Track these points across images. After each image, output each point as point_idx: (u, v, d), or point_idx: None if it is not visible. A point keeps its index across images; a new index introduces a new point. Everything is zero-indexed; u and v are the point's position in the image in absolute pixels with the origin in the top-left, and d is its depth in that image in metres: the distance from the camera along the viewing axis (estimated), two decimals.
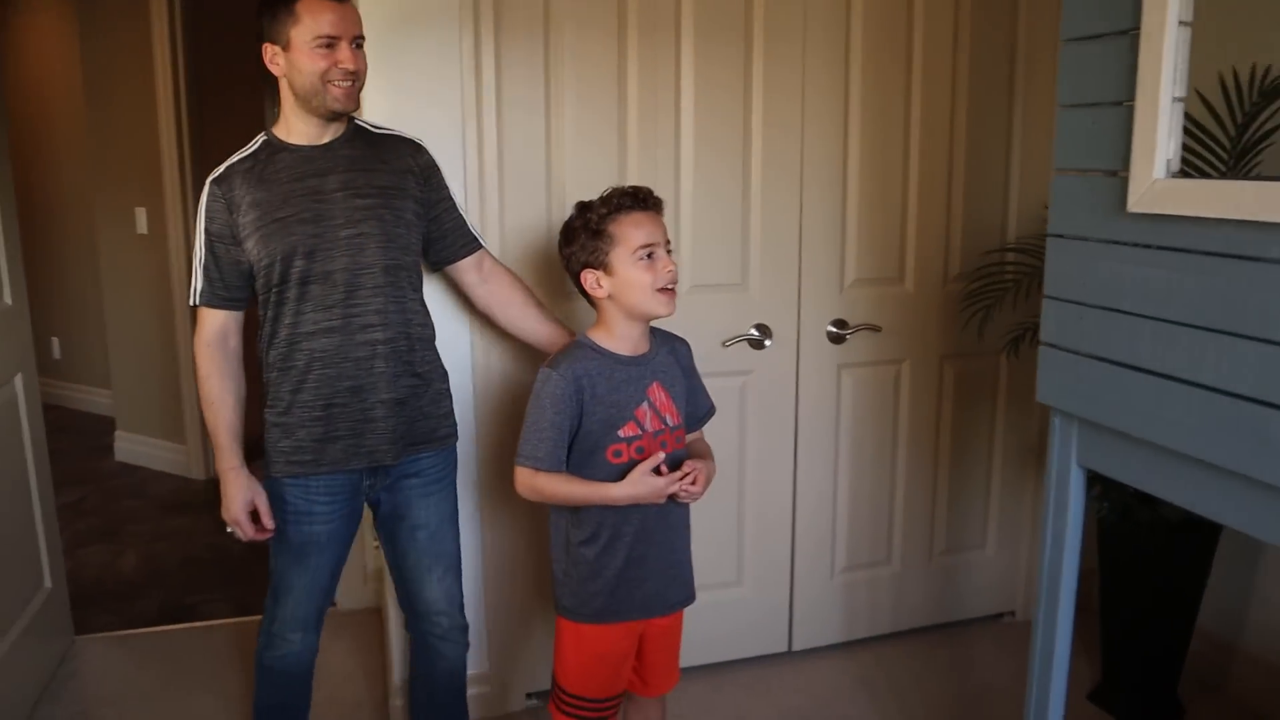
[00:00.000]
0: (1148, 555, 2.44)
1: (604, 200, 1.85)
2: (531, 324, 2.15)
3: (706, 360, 2.07)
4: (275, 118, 1.96)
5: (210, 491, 4.39)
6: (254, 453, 1.97)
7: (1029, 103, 2.78)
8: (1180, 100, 1.43)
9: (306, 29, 1.82)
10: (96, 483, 4.55)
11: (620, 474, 1.82)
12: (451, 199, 2.08)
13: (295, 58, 1.84)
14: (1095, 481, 2.38)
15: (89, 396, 5.69)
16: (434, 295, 2.21)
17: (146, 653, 2.96)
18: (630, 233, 1.80)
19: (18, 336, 2.74)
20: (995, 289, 2.72)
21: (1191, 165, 1.71)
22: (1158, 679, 2.52)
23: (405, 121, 2.09)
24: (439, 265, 2.12)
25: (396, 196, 1.95)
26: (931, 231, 2.76)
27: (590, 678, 1.92)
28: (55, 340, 5.74)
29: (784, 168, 2.58)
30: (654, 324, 1.92)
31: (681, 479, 1.83)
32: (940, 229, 2.77)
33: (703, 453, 1.99)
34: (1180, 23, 1.40)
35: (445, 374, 2.08)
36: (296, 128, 1.91)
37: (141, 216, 4.42)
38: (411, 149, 2.02)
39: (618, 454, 1.84)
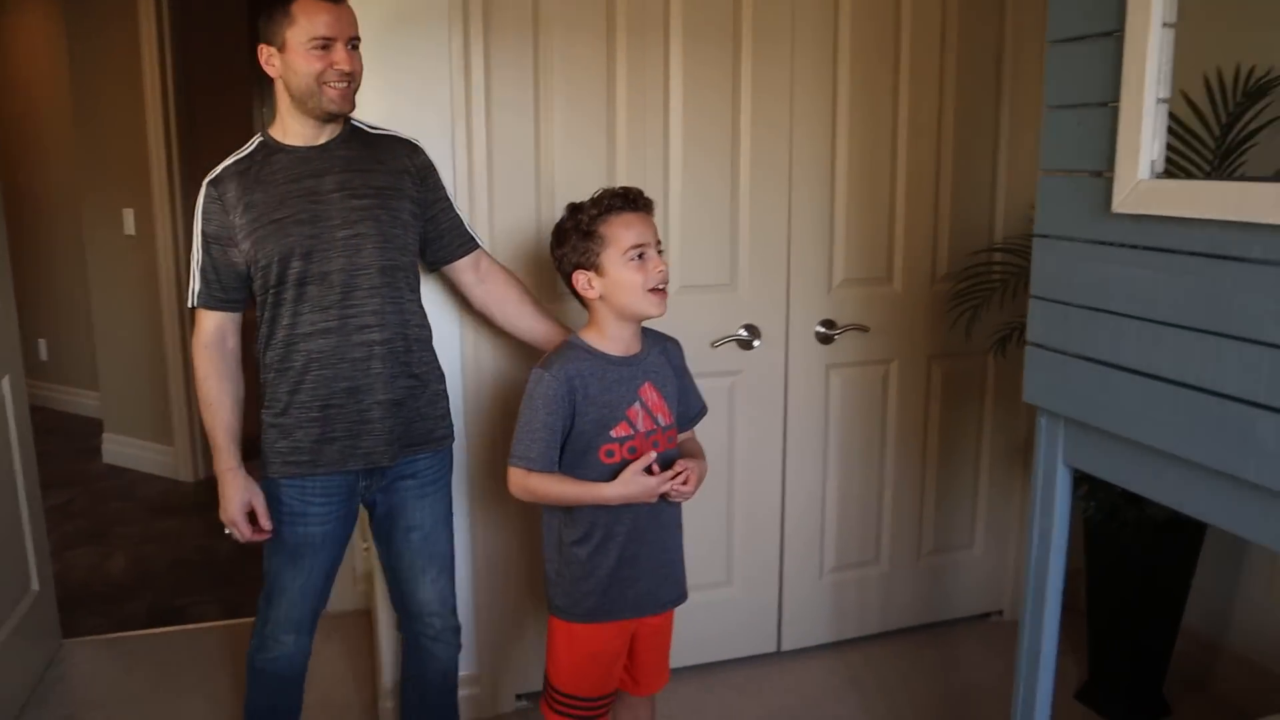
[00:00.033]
0: (1134, 554, 2.45)
1: (594, 201, 1.85)
2: (529, 322, 2.15)
3: (695, 361, 2.08)
4: (265, 118, 1.96)
5: (199, 493, 4.39)
6: (249, 453, 1.97)
7: (1016, 103, 2.79)
8: (1164, 101, 1.44)
9: (302, 30, 1.82)
10: (84, 485, 4.53)
11: (613, 474, 1.83)
12: (448, 199, 2.08)
13: (291, 59, 1.84)
14: (1082, 481, 2.40)
15: (76, 398, 5.66)
16: (424, 295, 2.21)
17: (135, 656, 2.95)
18: (621, 234, 1.81)
19: (4, 337, 2.73)
20: (982, 289, 2.73)
21: (1177, 166, 1.72)
22: (1144, 677, 2.53)
23: (397, 122, 2.09)
24: (436, 265, 2.12)
25: (393, 197, 1.95)
26: (919, 232, 2.77)
27: (583, 677, 1.92)
28: (42, 341, 5.71)
29: (773, 168, 2.59)
30: (645, 324, 1.93)
31: (673, 478, 1.84)
32: (928, 229, 2.79)
33: (694, 452, 2.00)
34: (1164, 24, 1.41)
35: (442, 375, 2.08)
36: (293, 129, 1.91)
37: (129, 217, 4.40)
38: (408, 149, 2.02)
39: (610, 454, 1.84)
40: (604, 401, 1.84)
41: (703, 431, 2.09)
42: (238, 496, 1.92)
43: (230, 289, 1.93)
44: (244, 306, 1.98)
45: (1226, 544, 2.60)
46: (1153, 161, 1.45)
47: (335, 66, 1.84)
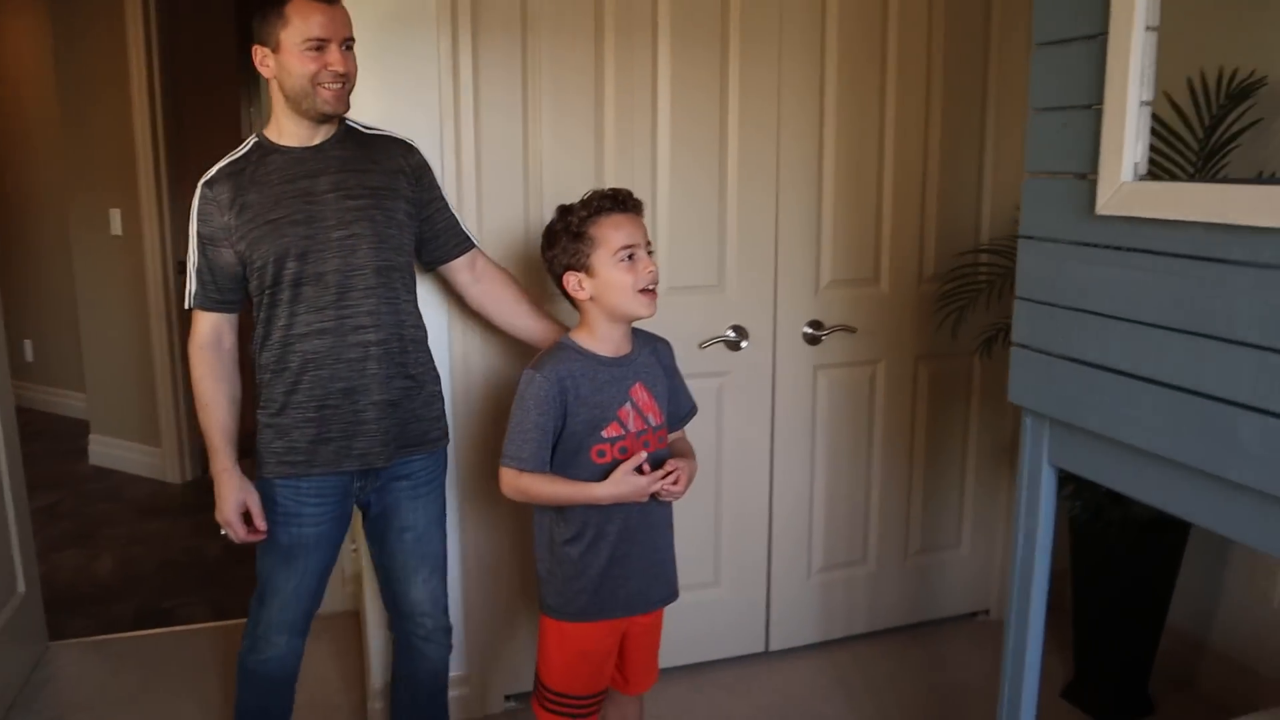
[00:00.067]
0: (1119, 554, 2.47)
1: (584, 203, 1.86)
2: (526, 321, 2.16)
3: (683, 362, 2.08)
4: (253, 118, 1.96)
5: (186, 495, 4.38)
6: (244, 452, 1.96)
7: (1001, 106, 2.81)
8: (1148, 104, 1.45)
9: (296, 31, 1.81)
10: (71, 486, 4.51)
11: (604, 474, 1.84)
12: (444, 199, 2.08)
13: (285, 60, 1.84)
14: (1067, 481, 2.41)
15: (63, 399, 5.63)
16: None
17: (123, 658, 2.94)
18: (610, 235, 1.82)
19: None
20: (969, 290, 2.74)
21: (1160, 168, 1.74)
22: (1129, 675, 2.55)
23: (388, 123, 2.09)
24: (432, 265, 2.12)
25: (388, 197, 1.95)
26: (906, 233, 2.79)
27: (574, 675, 1.93)
28: (28, 343, 5.68)
29: (760, 169, 2.60)
30: (635, 325, 1.93)
31: (663, 478, 1.85)
32: (915, 230, 2.80)
33: (685, 452, 2.01)
34: (1148, 28, 1.42)
35: (438, 376, 2.08)
36: (287, 129, 1.91)
37: (116, 218, 4.39)
38: (403, 149, 2.02)
39: (601, 454, 1.85)
40: (595, 402, 1.85)
41: (690, 432, 2.09)
42: (233, 497, 1.92)
43: (226, 290, 1.93)
44: (240, 307, 1.98)
45: (1210, 543, 2.62)
46: (1136, 164, 1.47)
47: (330, 68, 1.83)
